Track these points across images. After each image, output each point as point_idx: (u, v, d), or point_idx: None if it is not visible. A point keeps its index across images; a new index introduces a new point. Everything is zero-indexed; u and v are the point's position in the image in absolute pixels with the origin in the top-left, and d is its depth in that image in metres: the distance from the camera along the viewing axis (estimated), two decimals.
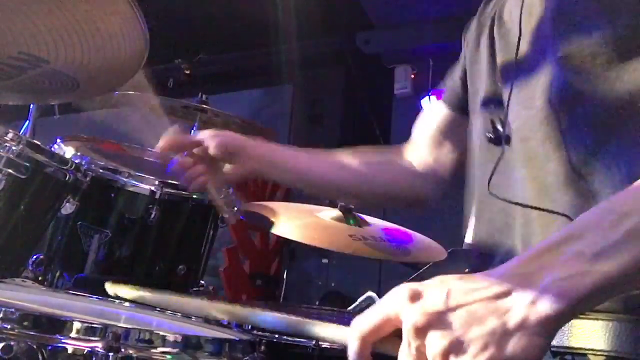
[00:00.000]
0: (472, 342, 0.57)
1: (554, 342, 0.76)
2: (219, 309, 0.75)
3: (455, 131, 1.21)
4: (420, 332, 0.58)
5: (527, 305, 0.57)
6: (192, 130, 2.13)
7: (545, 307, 0.57)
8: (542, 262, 0.59)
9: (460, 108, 1.18)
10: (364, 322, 0.61)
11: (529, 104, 0.87)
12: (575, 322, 0.76)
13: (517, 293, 0.58)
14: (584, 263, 0.58)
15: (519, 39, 0.90)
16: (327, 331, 0.70)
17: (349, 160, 1.29)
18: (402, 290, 0.60)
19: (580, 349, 0.76)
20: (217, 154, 1.15)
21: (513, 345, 0.56)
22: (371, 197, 1.34)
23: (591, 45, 0.79)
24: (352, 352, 0.61)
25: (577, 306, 0.58)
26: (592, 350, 0.75)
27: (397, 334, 0.60)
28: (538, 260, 0.60)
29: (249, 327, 1.31)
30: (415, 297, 0.59)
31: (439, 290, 0.59)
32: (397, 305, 0.60)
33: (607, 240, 0.58)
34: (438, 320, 0.58)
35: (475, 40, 1.06)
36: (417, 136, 1.30)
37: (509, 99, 0.92)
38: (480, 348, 0.56)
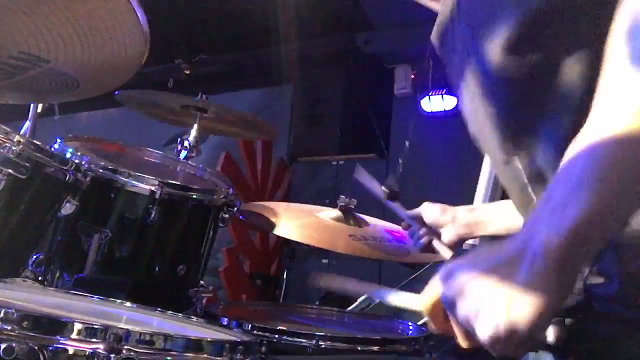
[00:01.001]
0: (485, 309, 0.64)
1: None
2: None
3: None
4: (452, 301, 0.69)
5: (530, 264, 0.63)
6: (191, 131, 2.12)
7: (540, 246, 0.62)
8: (530, 227, 0.66)
9: None
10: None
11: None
12: (584, 323, 0.79)
13: (520, 254, 0.64)
14: (560, 205, 0.63)
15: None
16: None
17: None
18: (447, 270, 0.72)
19: (591, 350, 0.79)
20: (430, 223, 1.47)
21: (523, 305, 0.62)
22: None
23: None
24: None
25: (572, 239, 0.62)
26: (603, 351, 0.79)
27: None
28: (525, 227, 0.67)
29: (249, 327, 1.31)
30: (452, 273, 0.70)
31: (467, 265, 0.70)
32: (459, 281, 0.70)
33: (574, 185, 0.63)
34: (464, 291, 0.67)
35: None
36: None
37: None
38: (492, 314, 0.64)
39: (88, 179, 1.42)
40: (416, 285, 0.88)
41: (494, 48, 0.79)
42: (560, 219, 0.62)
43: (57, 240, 1.46)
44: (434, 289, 0.73)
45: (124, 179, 1.49)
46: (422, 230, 1.48)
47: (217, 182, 1.78)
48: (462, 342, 0.71)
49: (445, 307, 0.70)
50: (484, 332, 0.64)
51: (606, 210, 0.63)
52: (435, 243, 1.45)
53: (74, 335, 0.71)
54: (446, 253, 1.44)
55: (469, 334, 0.68)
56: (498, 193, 1.99)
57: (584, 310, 0.80)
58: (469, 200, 1.81)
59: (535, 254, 0.63)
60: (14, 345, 0.66)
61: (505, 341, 0.63)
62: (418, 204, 1.55)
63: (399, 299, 0.84)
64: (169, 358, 0.76)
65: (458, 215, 1.46)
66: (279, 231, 1.70)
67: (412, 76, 4.48)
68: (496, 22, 0.79)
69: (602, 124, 0.65)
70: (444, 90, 4.25)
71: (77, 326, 0.72)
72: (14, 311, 0.71)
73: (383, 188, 1.59)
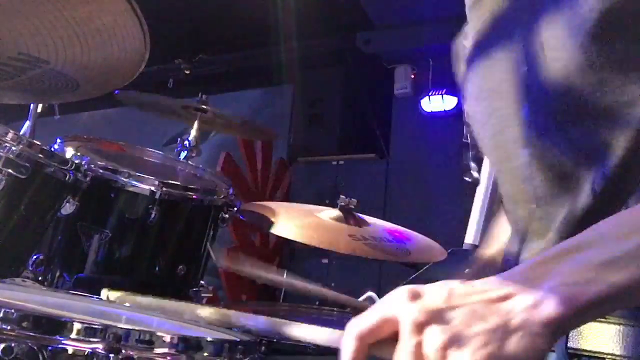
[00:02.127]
0: (473, 338, 0.56)
1: (570, 344, 0.77)
2: (204, 312, 0.77)
3: None
4: (420, 328, 0.57)
5: (530, 307, 0.57)
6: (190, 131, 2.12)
7: (548, 309, 0.56)
8: (548, 268, 0.59)
9: None
10: (362, 323, 0.60)
11: None
12: (592, 325, 0.77)
13: (520, 295, 0.57)
14: (591, 271, 0.57)
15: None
16: (320, 333, 0.68)
17: None
18: (402, 291, 0.60)
19: (598, 352, 0.77)
20: None
21: (514, 344, 0.56)
22: None
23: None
24: (347, 353, 0.60)
25: (580, 313, 0.57)
26: (610, 354, 0.76)
27: (394, 338, 0.59)
28: (545, 265, 0.60)
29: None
30: (415, 296, 0.59)
31: (440, 290, 0.59)
32: (396, 305, 0.60)
33: (617, 252, 0.58)
34: (439, 317, 0.57)
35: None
36: None
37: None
38: (481, 344, 0.56)
39: (88, 179, 1.42)
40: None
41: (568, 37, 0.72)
42: (598, 281, 0.57)
43: (57, 240, 1.46)
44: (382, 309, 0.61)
45: (124, 179, 1.49)
46: None
47: (217, 182, 1.78)
48: None
49: (407, 331, 0.58)
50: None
51: None
52: None
53: (73, 335, 0.71)
54: None
55: None
56: (497, 194, 1.99)
57: None
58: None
59: (545, 300, 0.57)
60: (13, 345, 0.67)
61: None
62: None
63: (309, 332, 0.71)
64: (169, 358, 0.76)
65: None
66: (279, 231, 1.70)
67: (412, 76, 4.48)
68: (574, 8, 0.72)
69: None
70: (444, 90, 4.25)
71: (77, 326, 0.72)
72: (13, 311, 0.71)
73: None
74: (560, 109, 0.77)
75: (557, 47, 0.75)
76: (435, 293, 0.59)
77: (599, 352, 0.78)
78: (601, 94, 0.72)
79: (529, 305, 0.57)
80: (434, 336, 0.56)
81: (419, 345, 0.57)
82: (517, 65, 0.81)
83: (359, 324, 0.60)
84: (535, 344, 0.56)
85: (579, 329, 0.80)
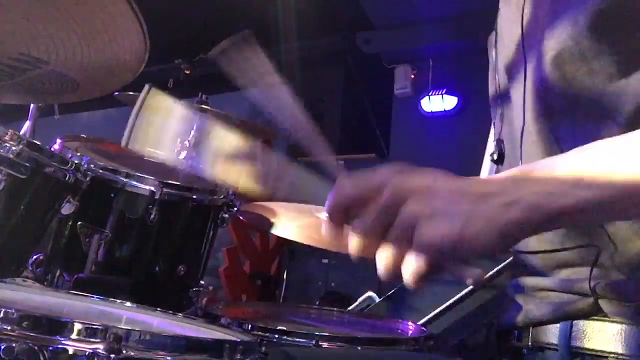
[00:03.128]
0: (443, 216, 0.62)
1: (573, 343, 0.78)
2: None
3: None
4: (400, 195, 0.64)
5: (501, 205, 0.62)
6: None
7: (516, 212, 0.62)
8: (525, 178, 0.66)
9: None
10: (350, 183, 0.68)
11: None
12: (595, 324, 0.78)
13: (496, 195, 0.63)
14: (563, 185, 0.63)
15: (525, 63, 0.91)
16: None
17: None
18: (391, 167, 0.68)
19: (600, 351, 0.78)
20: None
21: (476, 230, 0.62)
22: None
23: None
24: (328, 207, 0.68)
25: (547, 219, 0.63)
26: (612, 353, 0.77)
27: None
28: (523, 176, 0.67)
29: (249, 327, 1.31)
30: (404, 172, 0.67)
31: (427, 174, 0.67)
32: (384, 175, 0.67)
33: (588, 171, 0.63)
34: (419, 192, 0.64)
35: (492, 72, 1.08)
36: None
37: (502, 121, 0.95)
38: (446, 222, 0.62)
39: (88, 179, 1.42)
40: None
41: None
42: (566, 194, 0.62)
43: (57, 240, 1.46)
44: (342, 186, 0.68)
45: (124, 179, 1.49)
46: None
47: (217, 182, 1.78)
48: (357, 250, 0.67)
49: (387, 195, 0.64)
50: (433, 234, 0.62)
51: (616, 206, 0.63)
52: None
53: (74, 336, 0.71)
54: None
55: (377, 240, 0.65)
56: None
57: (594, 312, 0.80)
58: None
59: (516, 203, 0.62)
60: (14, 345, 0.66)
61: (448, 249, 0.62)
62: None
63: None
64: (169, 358, 0.76)
65: None
66: (279, 231, 1.70)
67: (412, 76, 4.48)
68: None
69: None
70: (444, 90, 4.26)
71: (77, 326, 0.72)
72: (14, 311, 0.71)
73: None
74: (553, 100, 0.81)
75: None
76: (423, 176, 0.67)
77: (602, 351, 0.78)
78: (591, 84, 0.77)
79: (501, 203, 0.62)
80: (411, 205, 0.64)
81: (394, 207, 0.64)
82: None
83: (347, 184, 0.68)
84: (494, 237, 0.62)
85: (582, 328, 0.80)
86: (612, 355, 0.77)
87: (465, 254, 0.63)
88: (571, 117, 0.80)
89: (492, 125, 1.16)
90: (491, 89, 1.06)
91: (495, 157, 0.99)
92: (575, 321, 0.82)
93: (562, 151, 0.80)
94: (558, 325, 0.84)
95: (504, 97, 0.98)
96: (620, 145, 0.66)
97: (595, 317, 0.80)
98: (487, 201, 0.63)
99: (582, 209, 0.62)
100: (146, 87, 0.83)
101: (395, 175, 0.66)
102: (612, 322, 0.78)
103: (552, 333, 0.85)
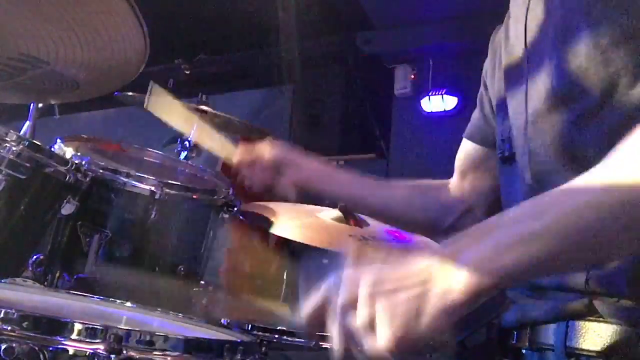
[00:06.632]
0: (393, 317, 0.65)
1: (569, 344, 0.79)
2: None
3: (480, 163, 1.22)
4: (348, 308, 0.68)
5: (440, 293, 0.65)
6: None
7: (455, 294, 0.64)
8: (470, 242, 0.67)
9: (483, 141, 1.19)
10: (311, 303, 0.74)
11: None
12: (589, 325, 0.79)
13: (436, 280, 0.65)
14: (509, 244, 0.64)
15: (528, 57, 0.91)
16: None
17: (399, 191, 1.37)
18: (345, 276, 0.71)
19: (595, 351, 0.79)
20: (270, 161, 1.35)
21: (424, 323, 0.65)
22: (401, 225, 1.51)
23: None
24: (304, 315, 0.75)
25: (499, 281, 0.64)
26: (607, 354, 0.78)
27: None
28: (467, 240, 0.68)
29: (249, 327, 1.31)
30: (351, 281, 0.69)
31: (370, 276, 0.68)
32: (336, 288, 0.71)
33: (534, 227, 0.64)
34: (366, 300, 0.67)
35: (492, 71, 1.08)
36: (455, 167, 1.32)
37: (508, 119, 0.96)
38: (398, 322, 0.65)
39: (88, 179, 1.42)
40: None
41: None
42: (517, 252, 0.63)
43: (57, 240, 1.46)
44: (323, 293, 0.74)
45: (124, 179, 1.49)
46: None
47: (217, 182, 1.78)
48: (337, 345, 0.71)
49: (336, 311, 0.70)
50: (382, 341, 0.66)
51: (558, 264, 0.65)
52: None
53: (74, 336, 0.71)
54: None
55: (350, 340, 0.69)
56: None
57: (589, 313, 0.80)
58: None
59: (453, 288, 0.64)
60: (14, 345, 0.67)
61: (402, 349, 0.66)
62: None
63: None
64: (169, 359, 0.76)
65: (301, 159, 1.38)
66: (279, 231, 1.70)
67: (412, 76, 4.48)
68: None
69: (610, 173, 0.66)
70: (444, 90, 4.26)
71: (77, 326, 0.72)
72: (14, 311, 0.71)
73: None
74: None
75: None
76: (366, 280, 0.68)
77: (597, 352, 0.78)
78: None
79: (441, 292, 0.65)
80: (359, 317, 0.67)
81: (349, 313, 0.68)
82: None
83: (309, 304, 0.74)
84: (441, 324, 0.65)
85: (577, 329, 0.80)
86: (606, 356, 0.78)
87: (423, 345, 0.68)
88: (575, 114, 0.80)
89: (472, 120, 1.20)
90: (495, 87, 1.06)
91: (506, 154, 0.98)
92: (571, 322, 0.82)
93: (566, 149, 0.80)
94: (554, 325, 0.85)
95: (507, 95, 0.97)
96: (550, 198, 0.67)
97: (591, 318, 0.80)
98: (427, 293, 0.65)
99: (534, 264, 0.64)
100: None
101: (342, 289, 0.70)
102: (607, 323, 0.79)
103: (549, 333, 0.85)
